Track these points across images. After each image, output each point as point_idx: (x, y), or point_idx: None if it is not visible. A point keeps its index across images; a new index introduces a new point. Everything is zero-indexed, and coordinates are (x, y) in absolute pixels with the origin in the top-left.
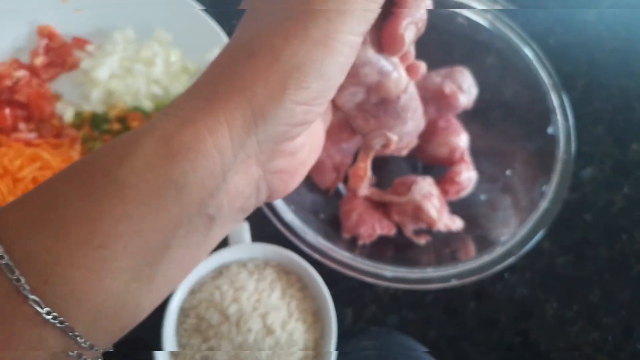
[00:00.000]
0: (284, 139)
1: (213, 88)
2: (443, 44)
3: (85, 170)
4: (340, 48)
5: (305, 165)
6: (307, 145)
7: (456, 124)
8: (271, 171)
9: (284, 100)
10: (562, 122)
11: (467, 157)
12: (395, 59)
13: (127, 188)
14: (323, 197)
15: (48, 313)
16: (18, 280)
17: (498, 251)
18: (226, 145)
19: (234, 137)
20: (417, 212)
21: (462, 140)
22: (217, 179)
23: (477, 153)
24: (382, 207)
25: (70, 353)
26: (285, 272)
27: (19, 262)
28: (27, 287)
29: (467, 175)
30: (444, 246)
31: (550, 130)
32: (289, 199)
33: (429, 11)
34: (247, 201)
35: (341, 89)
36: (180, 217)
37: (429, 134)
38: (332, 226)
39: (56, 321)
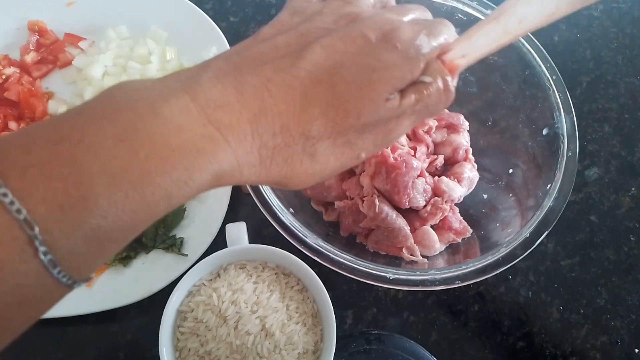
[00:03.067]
0: None
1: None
2: None
3: (147, 185)
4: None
5: None
6: None
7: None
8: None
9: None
10: (565, 120)
11: (471, 156)
12: None
13: (174, 206)
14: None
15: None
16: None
17: (501, 252)
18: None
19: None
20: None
21: (464, 138)
22: None
23: (479, 152)
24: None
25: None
26: (284, 274)
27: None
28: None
29: (469, 175)
30: (447, 247)
31: (545, 131)
32: (288, 201)
33: (429, 6)
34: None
35: None
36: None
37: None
38: (333, 227)
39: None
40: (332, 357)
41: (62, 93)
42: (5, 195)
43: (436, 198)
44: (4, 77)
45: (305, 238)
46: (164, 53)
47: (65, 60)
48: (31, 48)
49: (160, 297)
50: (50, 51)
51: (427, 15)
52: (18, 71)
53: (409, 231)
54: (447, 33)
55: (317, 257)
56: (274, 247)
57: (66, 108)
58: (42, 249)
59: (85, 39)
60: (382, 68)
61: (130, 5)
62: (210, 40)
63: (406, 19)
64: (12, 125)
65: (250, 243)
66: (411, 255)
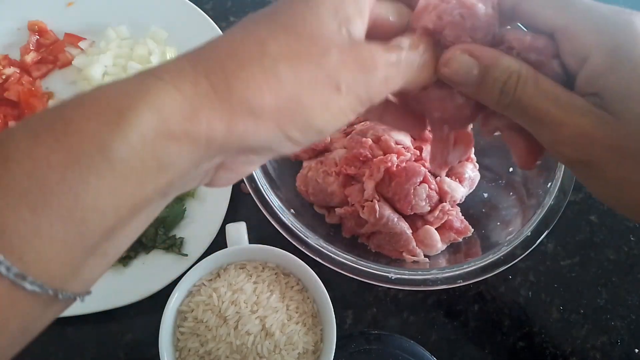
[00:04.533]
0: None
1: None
2: None
3: (71, 133)
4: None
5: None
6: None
7: None
8: (225, 167)
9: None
10: None
11: (473, 156)
12: None
13: (118, 163)
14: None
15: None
16: None
17: (503, 251)
18: (216, 139)
19: (226, 135)
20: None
21: None
22: (195, 166)
23: (479, 150)
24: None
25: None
26: (284, 274)
27: None
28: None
29: (471, 175)
30: (448, 247)
31: None
32: (289, 202)
33: None
34: (192, 183)
35: None
36: (152, 195)
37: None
38: (334, 228)
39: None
40: (332, 357)
41: (62, 93)
42: None
43: (444, 204)
44: (4, 77)
45: (307, 239)
46: (164, 53)
47: (65, 60)
48: (31, 48)
49: (160, 297)
50: (50, 51)
51: None
52: (18, 71)
53: (411, 235)
54: None
55: (319, 258)
56: (274, 247)
57: None
58: (5, 263)
59: (85, 39)
60: None
61: (130, 5)
62: None
63: None
64: (12, 125)
65: (250, 243)
66: (413, 256)
